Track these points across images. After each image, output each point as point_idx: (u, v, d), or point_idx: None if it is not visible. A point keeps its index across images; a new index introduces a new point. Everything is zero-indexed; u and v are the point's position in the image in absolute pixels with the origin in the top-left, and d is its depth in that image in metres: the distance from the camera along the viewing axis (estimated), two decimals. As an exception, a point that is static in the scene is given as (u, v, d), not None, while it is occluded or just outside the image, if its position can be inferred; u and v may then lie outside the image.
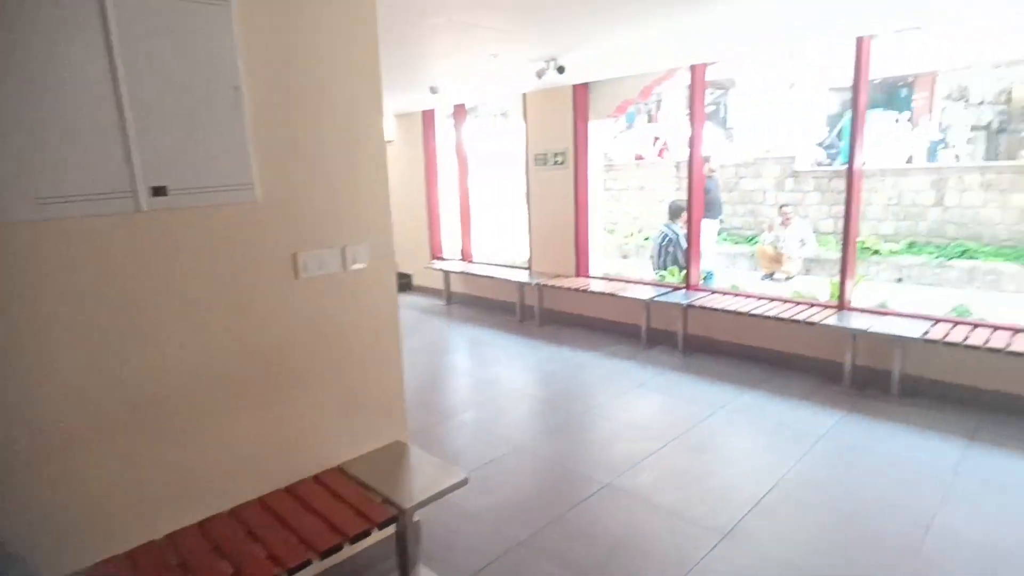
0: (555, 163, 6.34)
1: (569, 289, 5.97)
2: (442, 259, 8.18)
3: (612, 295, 5.61)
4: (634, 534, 2.78)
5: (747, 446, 3.66)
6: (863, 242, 8.62)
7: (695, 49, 4.64)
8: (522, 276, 6.63)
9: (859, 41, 4.34)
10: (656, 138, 14.81)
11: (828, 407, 4.06)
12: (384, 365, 2.60)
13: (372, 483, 2.28)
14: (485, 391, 4.66)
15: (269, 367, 2.23)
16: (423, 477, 2.39)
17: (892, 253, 8.17)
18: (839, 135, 17.46)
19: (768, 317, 4.61)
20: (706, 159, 7.97)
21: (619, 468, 3.35)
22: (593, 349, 5.52)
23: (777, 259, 8.61)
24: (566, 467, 3.42)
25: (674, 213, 7.23)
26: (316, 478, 2.34)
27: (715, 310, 4.93)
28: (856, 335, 4.26)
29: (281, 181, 2.19)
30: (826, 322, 4.34)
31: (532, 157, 6.58)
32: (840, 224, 9.14)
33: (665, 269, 6.77)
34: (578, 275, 6.37)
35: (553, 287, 6.13)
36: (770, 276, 8.80)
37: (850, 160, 4.52)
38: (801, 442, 3.57)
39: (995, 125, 18.26)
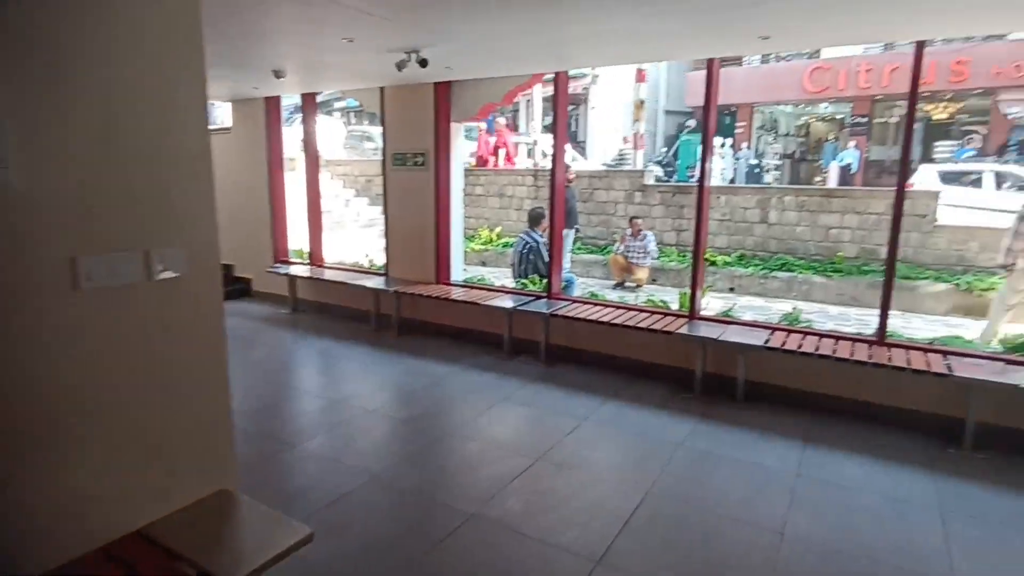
0: (415, 164, 5.99)
1: (429, 297, 5.65)
2: (287, 262, 7.42)
3: (474, 304, 5.39)
4: (505, 571, 2.54)
5: (612, 460, 3.61)
6: (702, 254, 9.34)
7: (560, 54, 4.58)
8: (378, 282, 6.18)
9: (709, 64, 4.57)
10: (516, 144, 15.00)
11: (682, 415, 4.17)
12: (205, 396, 2.10)
13: (183, 550, 1.79)
14: (335, 413, 4.18)
15: (37, 406, 1.65)
16: (254, 536, 1.94)
17: (726, 264, 8.93)
18: (675, 154, 19.14)
19: (627, 327, 4.68)
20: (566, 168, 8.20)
21: (485, 495, 3.10)
22: (455, 361, 5.25)
23: (628, 268, 9.01)
24: (428, 498, 3.10)
25: (534, 220, 7.23)
26: (105, 550, 1.79)
27: (577, 319, 4.91)
28: (706, 344, 4.45)
29: (52, 164, 1.64)
30: (680, 331, 4.48)
31: (391, 157, 6.17)
32: (682, 236, 9.95)
33: (526, 277, 6.71)
34: (438, 282, 6.07)
35: (412, 295, 5.77)
36: (621, 284, 9.19)
37: (701, 178, 4.75)
38: (662, 453, 3.60)
39: (797, 154, 21.22)
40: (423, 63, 4.22)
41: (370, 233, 11.07)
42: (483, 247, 11.16)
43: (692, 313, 4.84)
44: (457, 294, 5.67)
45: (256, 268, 7.65)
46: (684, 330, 4.51)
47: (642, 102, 11.50)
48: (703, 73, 4.48)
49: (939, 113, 18.74)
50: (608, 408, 4.27)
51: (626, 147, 15.07)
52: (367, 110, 6.21)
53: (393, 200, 6.26)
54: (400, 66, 4.31)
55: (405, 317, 6.13)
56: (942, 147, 18.43)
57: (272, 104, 7.14)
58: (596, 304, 5.32)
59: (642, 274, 8.99)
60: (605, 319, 4.80)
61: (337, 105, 32.96)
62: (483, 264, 11.01)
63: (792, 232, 8.93)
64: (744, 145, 19.84)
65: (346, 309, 6.68)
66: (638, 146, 11.72)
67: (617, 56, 4.82)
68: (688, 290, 5.04)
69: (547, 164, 13.28)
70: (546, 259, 6.90)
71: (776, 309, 7.84)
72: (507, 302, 5.39)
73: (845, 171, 17.12)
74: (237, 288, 7.72)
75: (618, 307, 5.22)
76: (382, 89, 6.08)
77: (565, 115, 5.32)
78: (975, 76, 15.76)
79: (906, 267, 7.98)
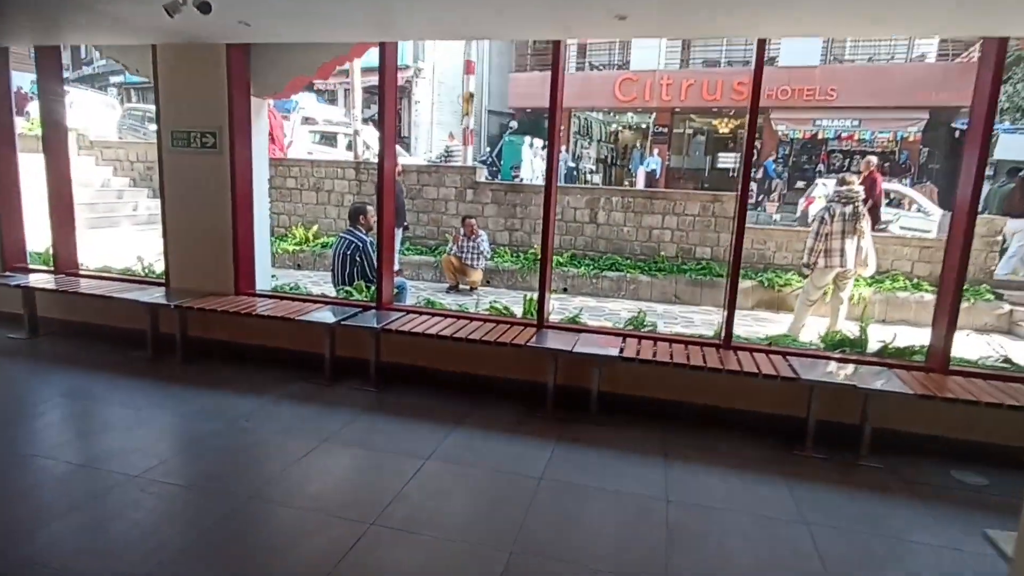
0: (204, 146, 4.78)
1: (226, 312, 4.52)
2: (24, 269, 5.62)
3: (286, 319, 4.41)
4: None
5: (466, 511, 2.98)
6: (536, 254, 9.15)
7: (385, 20, 3.84)
8: (156, 295, 4.85)
9: (555, 58, 4.17)
10: (336, 131, 13.71)
11: (538, 439, 3.70)
12: None
13: None
14: (85, 484, 2.98)
15: None
16: None
17: (559, 264, 8.84)
18: (499, 155, 19.20)
19: (472, 340, 4.09)
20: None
21: (304, 592, 2.28)
22: (261, 392, 4.23)
23: (462, 270, 8.49)
24: (218, 610, 2.20)
25: (354, 216, 6.33)
26: None
27: (414, 334, 4.21)
28: (559, 356, 4.04)
29: None
30: (531, 344, 4.02)
31: (168, 135, 4.87)
32: (516, 236, 9.72)
33: (350, 284, 5.81)
34: (239, 292, 4.94)
35: (202, 310, 4.58)
36: (455, 287, 8.64)
37: (549, 176, 4.34)
38: (522, 493, 3.07)
39: (610, 159, 22.67)
40: (204, 7, 3.19)
41: (152, 232, 9.16)
42: (297, 248, 9.87)
43: (540, 321, 4.42)
44: (264, 307, 4.62)
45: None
46: (534, 342, 4.06)
47: (471, 95, 11.08)
48: (528, 75, 4.08)
49: (724, 127, 21.25)
50: (454, 439, 3.65)
51: (453, 144, 14.59)
52: (149, 84, 4.83)
53: (174, 190, 4.96)
54: (171, 9, 3.23)
55: (194, 338, 4.89)
56: (725, 158, 21.00)
57: (-10, 58, 5.32)
58: (434, 314, 4.67)
59: (476, 276, 8.53)
60: (447, 332, 4.17)
61: (114, 80, 27.99)
62: (298, 267, 9.73)
63: (620, 232, 9.13)
64: (563, 148, 20.63)
65: (113, 330, 5.19)
66: (467, 142, 11.29)
67: (450, 29, 4.20)
68: (532, 295, 4.62)
69: (370, 157, 12.28)
70: (374, 261, 5.92)
71: (609, 309, 7.89)
72: (328, 315, 4.49)
73: (651, 176, 18.58)
74: None
75: (460, 317, 4.62)
76: (154, 48, 4.76)
77: (394, 95, 4.58)
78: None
79: (717, 265, 8.57)
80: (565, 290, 8.67)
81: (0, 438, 3.44)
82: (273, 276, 6.00)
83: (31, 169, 5.74)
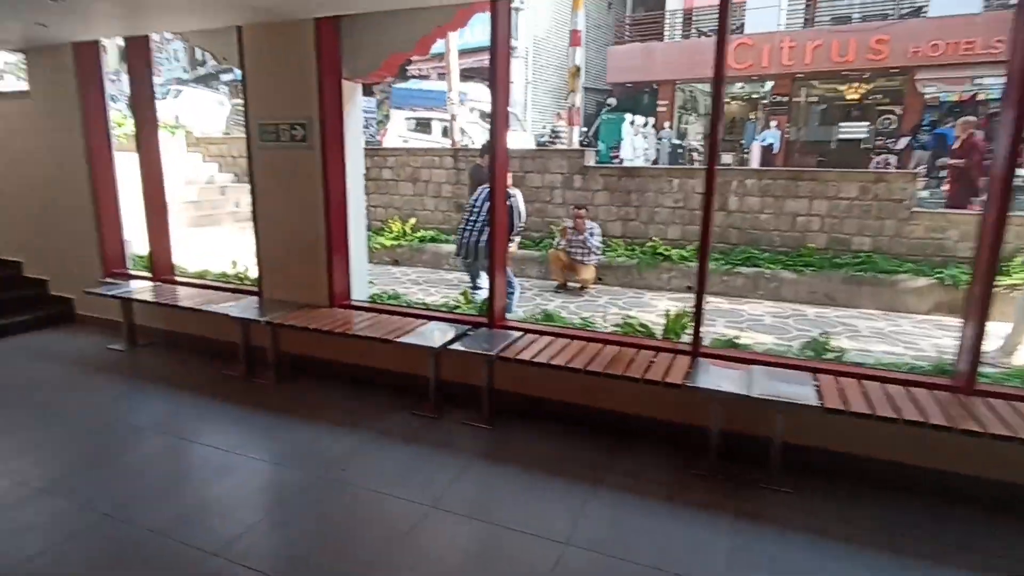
0: (292, 140, 4.22)
1: (319, 331, 3.94)
2: (125, 276, 5.39)
3: (383, 341, 3.75)
4: None
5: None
6: (655, 247, 8.10)
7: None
8: (248, 307, 4.38)
9: (722, 28, 3.16)
10: (430, 118, 13.21)
11: (706, 514, 2.79)
12: None
13: None
14: (155, 561, 2.45)
15: None
16: None
17: (682, 259, 7.75)
18: (595, 135, 17.98)
19: (612, 376, 3.23)
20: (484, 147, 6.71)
21: None
22: (360, 425, 3.62)
23: (571, 266, 7.62)
24: None
25: (479, 179, 5.86)
26: None
27: (534, 364, 3.40)
28: (727, 401, 3.08)
29: None
30: (690, 384, 3.08)
31: (256, 129, 4.34)
32: (630, 227, 8.64)
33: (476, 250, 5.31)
34: (333, 304, 4.37)
35: (294, 327, 4.03)
36: (564, 286, 7.80)
37: (711, 157, 3.35)
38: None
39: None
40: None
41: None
42: (394, 243, 9.40)
43: (695, 347, 3.47)
44: (360, 324, 4.00)
45: (79, 284, 5.56)
46: (693, 380, 3.12)
47: (577, 69, 10.04)
48: (627, 47, 3.09)
49: (852, 93, 18.73)
50: (595, 510, 2.81)
51: (560, 123, 13.61)
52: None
53: (264, 191, 4.45)
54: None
55: (288, 354, 4.39)
56: (851, 127, 18.48)
57: (85, 54, 5.04)
58: (558, 334, 3.84)
59: (588, 273, 7.63)
60: (577, 363, 3.33)
61: (225, 78, 29.39)
62: (395, 263, 9.27)
63: (755, 220, 7.85)
64: (667, 124, 19.05)
65: (207, 342, 4.81)
66: (572, 122, 10.28)
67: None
68: (673, 308, 3.67)
69: (467, 143, 11.62)
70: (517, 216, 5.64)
71: (748, 313, 6.73)
72: (433, 334, 3.80)
73: (767, 151, 16.67)
74: (52, 313, 5.59)
75: (589, 339, 3.76)
76: (239, 30, 4.23)
77: (507, 66, 3.76)
78: (893, 55, 15.61)
79: (882, 259, 7.11)
80: (690, 288, 7.58)
81: (82, 486, 3.02)
82: (371, 281, 5.45)
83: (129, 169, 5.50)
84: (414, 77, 19.98)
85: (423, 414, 3.76)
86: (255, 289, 4.74)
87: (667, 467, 3.18)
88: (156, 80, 6.12)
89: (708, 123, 20.30)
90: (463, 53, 12.78)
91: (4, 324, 5.24)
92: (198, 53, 31.13)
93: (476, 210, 5.90)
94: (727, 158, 17.89)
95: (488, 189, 4.28)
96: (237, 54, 4.30)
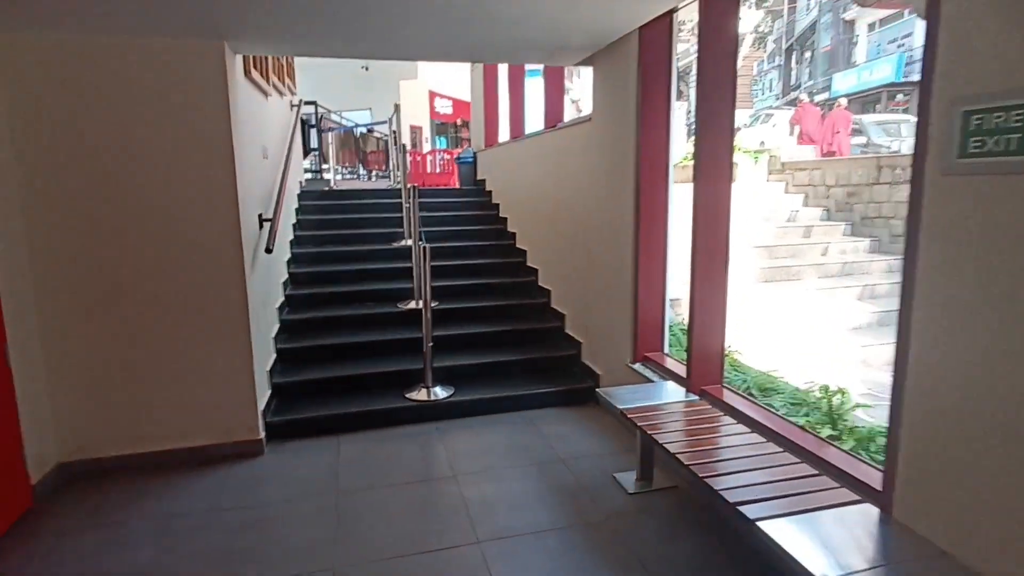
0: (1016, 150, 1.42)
1: None
2: (658, 365, 3.76)
3: None
4: None
5: None
6: None
7: None
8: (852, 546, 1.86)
9: None
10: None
11: None
12: None
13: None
14: None
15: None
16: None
17: None
18: None
19: None
20: None
21: None
22: None
23: None
24: None
25: None
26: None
27: None
28: None
29: None
30: None
31: (956, 124, 1.74)
32: None
33: None
34: None
35: None
36: None
37: None
38: None
39: None
40: None
41: (847, 292, 6.28)
42: None
43: None
44: None
45: (605, 356, 4.30)
46: None
47: None
48: None
49: None
50: None
51: None
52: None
53: (952, 250, 1.81)
54: None
55: None
56: None
57: (652, 40, 3.55)
58: None
59: None
60: None
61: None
62: None
63: None
64: None
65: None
66: None
67: None
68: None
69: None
70: None
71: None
72: None
73: None
74: (580, 388, 4.51)
75: None
76: None
77: None
78: None
79: None
80: None
81: None
82: None
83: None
84: None
85: None
86: (865, 481, 2.17)
87: None
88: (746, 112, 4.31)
89: None
90: None
91: (522, 395, 4.39)
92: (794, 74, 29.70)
93: None
94: None
95: None
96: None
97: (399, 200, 6.62)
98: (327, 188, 8.70)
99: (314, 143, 9.92)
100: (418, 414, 4.18)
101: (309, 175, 10.46)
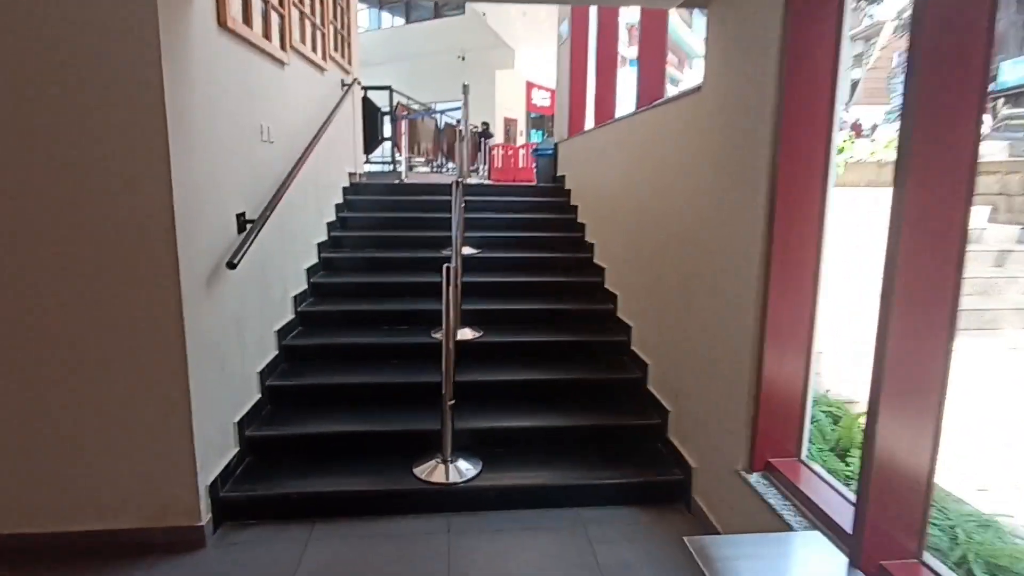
0: None
1: None
2: (789, 483, 2.29)
3: None
4: None
5: None
6: None
7: None
8: None
9: None
10: None
11: None
12: None
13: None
14: None
15: None
16: None
17: None
18: None
19: None
20: None
21: None
22: None
23: None
24: None
25: None
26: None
27: None
28: None
29: None
30: None
31: None
32: None
33: None
34: None
35: None
36: None
37: None
38: None
39: None
40: None
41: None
42: None
43: None
44: None
45: (708, 448, 2.89)
46: None
47: None
48: None
49: None
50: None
51: None
52: None
53: None
54: None
55: None
56: None
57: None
58: None
59: None
60: None
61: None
62: None
63: None
64: None
65: None
66: None
67: None
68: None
69: None
70: None
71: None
72: None
73: None
74: (660, 481, 3.11)
75: None
76: None
77: None
78: None
79: None
80: None
81: None
82: None
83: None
84: None
85: None
86: None
87: None
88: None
89: None
90: None
91: (577, 485, 3.07)
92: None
93: None
94: None
95: None
96: None
97: (472, 198, 5.54)
98: (396, 182, 7.82)
99: (388, 132, 9.08)
100: (427, 502, 2.98)
101: (379, 167, 9.63)
